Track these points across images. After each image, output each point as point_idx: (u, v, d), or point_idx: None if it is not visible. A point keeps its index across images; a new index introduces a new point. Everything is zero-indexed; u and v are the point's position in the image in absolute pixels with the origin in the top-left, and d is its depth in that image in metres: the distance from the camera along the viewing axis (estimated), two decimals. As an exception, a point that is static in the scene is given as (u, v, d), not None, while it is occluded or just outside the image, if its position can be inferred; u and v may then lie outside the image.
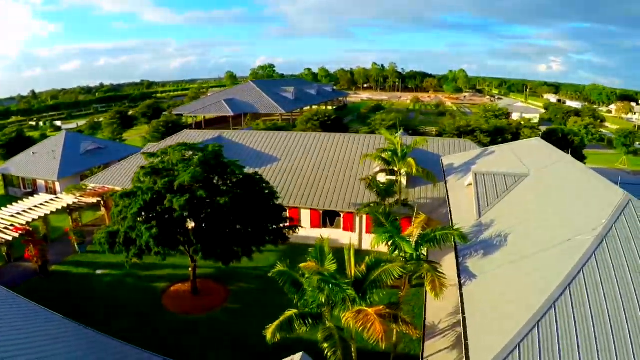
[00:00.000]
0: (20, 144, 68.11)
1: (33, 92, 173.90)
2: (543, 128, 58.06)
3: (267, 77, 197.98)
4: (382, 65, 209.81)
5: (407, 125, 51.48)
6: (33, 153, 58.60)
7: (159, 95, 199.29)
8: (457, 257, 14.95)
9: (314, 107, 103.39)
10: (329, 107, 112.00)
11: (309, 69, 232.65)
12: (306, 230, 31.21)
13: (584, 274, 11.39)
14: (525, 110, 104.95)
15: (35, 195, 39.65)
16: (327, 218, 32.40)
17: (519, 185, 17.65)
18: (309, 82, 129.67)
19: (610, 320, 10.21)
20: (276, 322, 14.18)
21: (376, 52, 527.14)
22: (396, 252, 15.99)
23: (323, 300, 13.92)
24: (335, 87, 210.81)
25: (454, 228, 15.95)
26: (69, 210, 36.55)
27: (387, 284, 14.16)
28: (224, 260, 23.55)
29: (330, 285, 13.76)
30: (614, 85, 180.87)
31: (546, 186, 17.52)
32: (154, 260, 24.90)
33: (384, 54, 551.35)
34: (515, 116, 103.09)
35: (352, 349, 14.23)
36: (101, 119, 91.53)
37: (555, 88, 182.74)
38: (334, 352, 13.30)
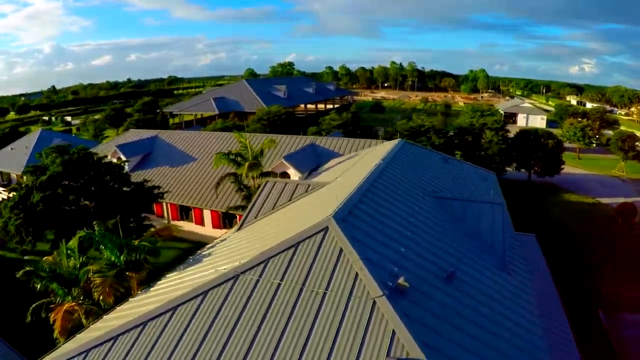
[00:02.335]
0: (12, 139, 70.28)
1: (53, 87, 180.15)
2: (515, 129, 54.30)
3: (285, 75, 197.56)
4: (401, 64, 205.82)
5: (367, 126, 49.15)
6: (11, 149, 61.04)
7: (179, 91, 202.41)
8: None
9: (310, 105, 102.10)
10: (329, 106, 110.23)
11: (330, 67, 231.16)
12: (207, 230, 32.47)
13: (171, 316, 9.81)
14: (532, 111, 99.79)
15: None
16: (226, 219, 31.67)
17: (301, 199, 15.52)
18: (310, 80, 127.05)
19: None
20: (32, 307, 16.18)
21: (406, 52, 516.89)
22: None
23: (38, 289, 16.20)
24: (354, 86, 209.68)
25: (150, 239, 16.63)
26: (11, 200, 37.99)
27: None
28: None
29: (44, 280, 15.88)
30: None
31: (308, 202, 15.28)
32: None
33: (414, 54, 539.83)
34: (520, 118, 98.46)
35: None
36: (97, 117, 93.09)
37: (578, 89, 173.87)
38: None
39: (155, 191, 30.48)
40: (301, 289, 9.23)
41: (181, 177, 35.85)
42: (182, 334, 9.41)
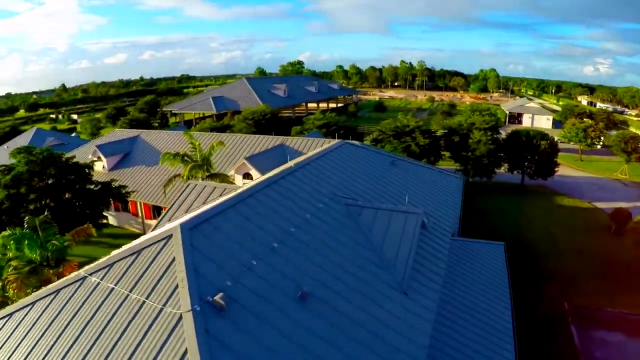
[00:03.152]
0: (12, 137, 71.32)
1: (63, 85, 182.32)
2: (508, 130, 52.53)
3: (295, 74, 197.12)
4: (410, 63, 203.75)
5: (349, 127, 48.03)
6: (7, 147, 61.74)
7: (190, 89, 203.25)
8: None
9: (312, 104, 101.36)
10: (332, 105, 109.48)
11: (341, 66, 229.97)
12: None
13: (29, 310, 9.87)
14: (538, 111, 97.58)
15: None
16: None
17: (209, 204, 14.87)
18: (313, 78, 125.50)
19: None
20: None
21: (421, 51, 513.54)
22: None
23: None
24: (364, 85, 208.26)
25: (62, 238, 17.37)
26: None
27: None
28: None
29: None
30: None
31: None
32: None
33: (429, 53, 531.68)
34: (526, 118, 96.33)
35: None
36: (98, 115, 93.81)
37: (590, 90, 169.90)
38: None
39: (123, 190, 31.09)
40: (127, 297, 8.83)
41: (154, 177, 35.57)
42: (28, 331, 9.37)
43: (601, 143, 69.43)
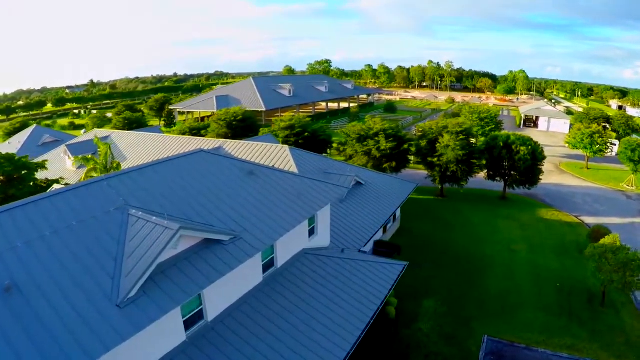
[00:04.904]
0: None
1: (92, 81, 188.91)
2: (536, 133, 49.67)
3: (323, 72, 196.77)
4: (438, 64, 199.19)
5: (316, 129, 46.79)
6: (9, 143, 64.52)
7: (218, 86, 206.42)
8: None
9: (321, 103, 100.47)
10: (343, 104, 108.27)
11: (369, 66, 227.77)
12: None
13: None
14: (555, 115, 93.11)
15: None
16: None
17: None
18: (324, 77, 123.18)
19: None
20: None
21: (458, 51, 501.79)
22: None
23: None
24: (391, 85, 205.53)
25: None
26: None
27: None
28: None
29: None
30: None
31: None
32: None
33: (467, 53, 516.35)
34: (542, 121, 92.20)
35: None
36: (108, 114, 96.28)
37: (622, 94, 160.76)
38: None
39: None
40: None
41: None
42: None
43: (610, 150, 65.30)
